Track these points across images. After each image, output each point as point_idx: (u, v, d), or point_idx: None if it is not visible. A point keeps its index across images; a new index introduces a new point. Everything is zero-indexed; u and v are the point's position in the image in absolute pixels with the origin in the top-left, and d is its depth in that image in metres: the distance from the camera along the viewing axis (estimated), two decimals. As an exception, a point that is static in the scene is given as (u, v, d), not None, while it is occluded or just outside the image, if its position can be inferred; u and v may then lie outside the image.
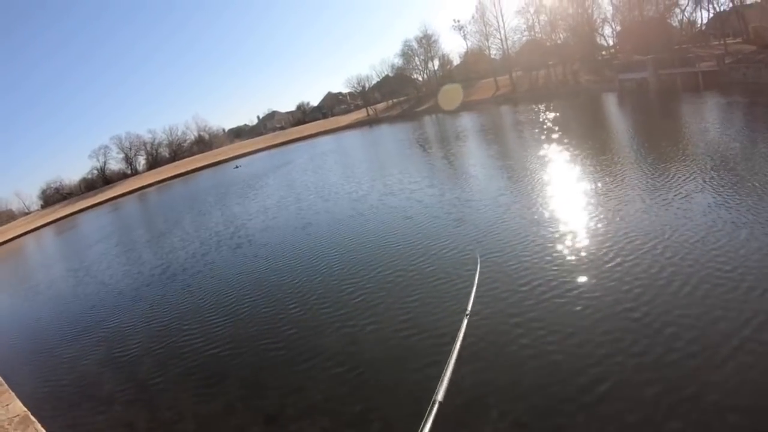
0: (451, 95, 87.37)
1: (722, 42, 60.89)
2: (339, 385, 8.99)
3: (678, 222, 12.57)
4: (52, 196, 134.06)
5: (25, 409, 10.79)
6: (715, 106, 33.24)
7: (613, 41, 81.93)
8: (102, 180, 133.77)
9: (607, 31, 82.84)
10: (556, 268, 11.35)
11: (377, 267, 14.32)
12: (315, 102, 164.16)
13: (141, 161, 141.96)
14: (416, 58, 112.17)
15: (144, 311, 16.84)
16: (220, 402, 9.42)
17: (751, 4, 64.59)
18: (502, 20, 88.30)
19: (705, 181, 15.52)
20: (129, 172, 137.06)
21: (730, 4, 66.66)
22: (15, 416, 10.50)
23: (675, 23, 73.92)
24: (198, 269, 20.05)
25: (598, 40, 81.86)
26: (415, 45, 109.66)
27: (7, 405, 11.23)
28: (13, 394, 11.93)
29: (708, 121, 27.41)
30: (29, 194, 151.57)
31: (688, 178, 16.24)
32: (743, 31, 63.52)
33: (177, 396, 10.28)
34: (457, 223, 16.79)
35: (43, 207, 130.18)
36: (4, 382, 12.98)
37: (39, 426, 9.86)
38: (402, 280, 12.92)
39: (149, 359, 12.57)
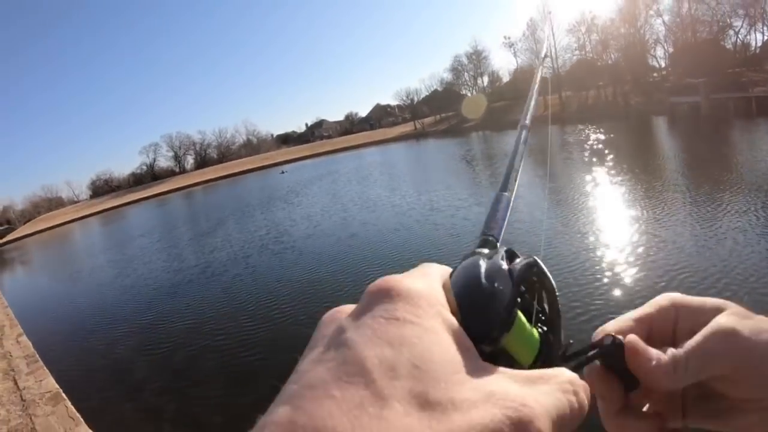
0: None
1: (777, 66, 59.22)
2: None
3: (731, 256, 12.09)
4: (101, 187, 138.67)
5: (58, 386, 11.14)
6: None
7: (665, 63, 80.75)
8: (150, 176, 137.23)
9: (659, 52, 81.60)
10: (600, 299, 11.05)
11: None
12: (363, 112, 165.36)
13: (189, 160, 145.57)
14: (465, 73, 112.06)
15: (180, 308, 17.10)
16: (249, 399, 9.43)
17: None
18: (553, 38, 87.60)
19: (758, 214, 14.95)
20: (177, 170, 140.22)
21: (787, 26, 64.69)
22: (47, 392, 10.89)
23: (728, 45, 72.45)
24: (237, 272, 20.15)
25: (649, 61, 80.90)
26: (464, 60, 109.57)
27: (41, 381, 11.67)
28: (47, 370, 12.37)
29: (763, 149, 26.53)
30: (79, 183, 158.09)
31: (741, 210, 15.66)
32: (800, 54, 61.43)
33: (206, 390, 10.41)
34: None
35: (91, 197, 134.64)
36: (39, 359, 13.41)
37: (69, 404, 10.18)
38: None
39: (182, 353, 12.77)
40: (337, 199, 34.55)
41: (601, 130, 49.61)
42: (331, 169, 63.31)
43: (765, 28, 70.69)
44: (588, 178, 25.64)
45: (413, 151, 71.89)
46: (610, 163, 28.78)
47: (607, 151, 33.86)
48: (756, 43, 74.37)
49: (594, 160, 30.94)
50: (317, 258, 19.54)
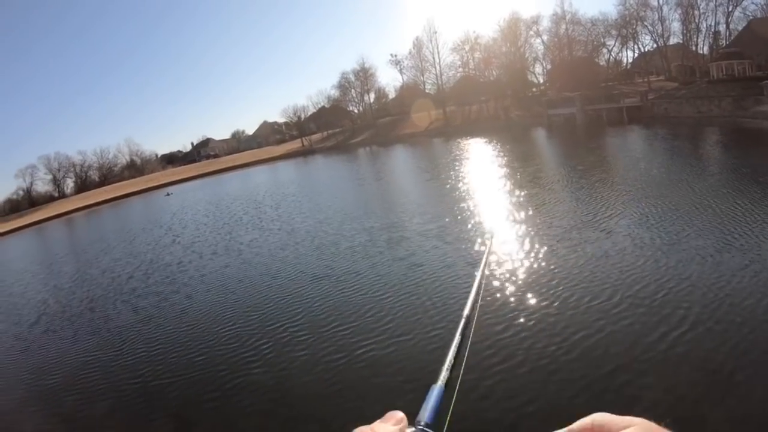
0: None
1: (646, 80, 64.43)
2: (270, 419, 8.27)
3: (605, 246, 12.32)
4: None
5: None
6: (637, 137, 34.87)
7: (544, 79, 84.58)
8: (28, 202, 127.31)
9: (538, 69, 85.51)
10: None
11: (311, 314, 12.07)
12: (250, 130, 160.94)
13: (69, 184, 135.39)
14: (353, 90, 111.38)
15: (68, 343, 14.48)
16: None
17: (674, 44, 68.10)
18: (438, 56, 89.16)
19: (621, 205, 15.62)
20: (56, 194, 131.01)
21: (654, 45, 70.59)
22: None
23: (602, 62, 77.58)
24: (125, 302, 17.12)
25: (529, 77, 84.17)
26: (352, 77, 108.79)
27: None
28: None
29: (627, 150, 28.88)
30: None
31: (603, 203, 16.38)
32: (666, 69, 67.53)
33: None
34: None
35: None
36: None
37: None
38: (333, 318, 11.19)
39: (73, 394, 10.78)
40: (227, 225, 29.44)
41: (483, 141, 50.35)
42: (219, 191, 59.59)
43: (635, 47, 76.47)
44: (468, 187, 25.20)
45: (302, 168, 68.88)
46: (486, 170, 29.10)
47: (485, 160, 34.41)
48: (627, 60, 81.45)
49: (473, 169, 31.19)
50: (198, 290, 16.61)
